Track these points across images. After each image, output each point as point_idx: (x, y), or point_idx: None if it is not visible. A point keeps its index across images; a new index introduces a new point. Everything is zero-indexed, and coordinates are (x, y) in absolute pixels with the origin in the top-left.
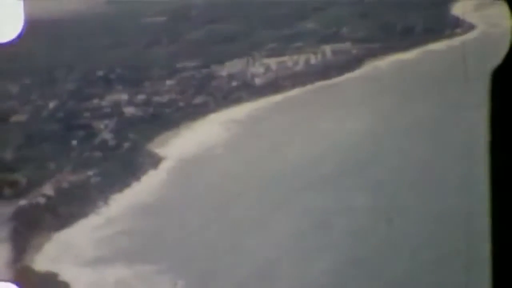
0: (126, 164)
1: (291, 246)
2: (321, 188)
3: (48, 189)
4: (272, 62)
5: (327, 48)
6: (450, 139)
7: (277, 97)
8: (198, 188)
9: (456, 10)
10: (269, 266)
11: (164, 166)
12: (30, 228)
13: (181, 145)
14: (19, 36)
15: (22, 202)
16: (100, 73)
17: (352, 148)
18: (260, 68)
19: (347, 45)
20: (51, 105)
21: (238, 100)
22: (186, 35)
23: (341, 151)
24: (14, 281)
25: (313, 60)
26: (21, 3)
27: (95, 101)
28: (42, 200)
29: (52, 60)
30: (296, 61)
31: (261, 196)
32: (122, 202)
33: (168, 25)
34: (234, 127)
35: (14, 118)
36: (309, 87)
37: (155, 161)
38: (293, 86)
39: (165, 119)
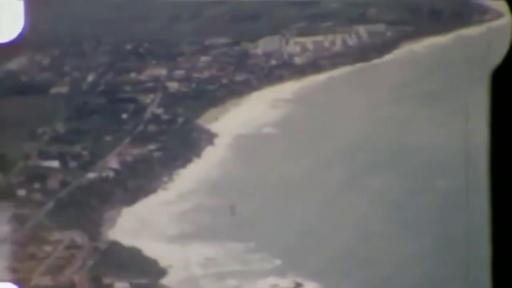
0: (183, 139)
1: (361, 225)
2: (380, 168)
3: (113, 163)
4: (307, 41)
5: (361, 29)
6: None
7: (319, 77)
8: (261, 165)
9: None
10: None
11: (220, 143)
12: (102, 202)
13: (231, 122)
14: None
15: (91, 175)
16: (129, 46)
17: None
18: (296, 47)
19: (380, 27)
20: (90, 78)
21: (280, 79)
22: (206, 10)
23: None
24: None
25: (350, 41)
26: (21, 3)
27: (132, 75)
28: (111, 174)
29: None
30: (332, 41)
31: (322, 176)
32: (188, 178)
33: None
34: (282, 106)
35: (54, 90)
36: (349, 68)
37: (210, 137)
38: (333, 66)
39: (210, 95)
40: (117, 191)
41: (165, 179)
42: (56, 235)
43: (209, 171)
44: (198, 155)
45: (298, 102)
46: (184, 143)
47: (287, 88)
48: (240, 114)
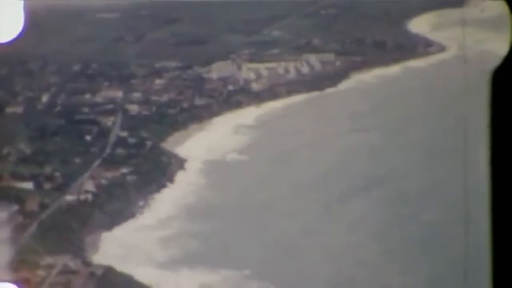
0: (154, 164)
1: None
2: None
3: (89, 186)
4: (261, 67)
5: (312, 58)
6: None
7: (277, 104)
8: (234, 191)
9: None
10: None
11: (191, 168)
12: (82, 225)
13: (196, 147)
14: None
15: (69, 197)
16: (76, 67)
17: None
18: (250, 73)
19: (330, 56)
20: (44, 98)
21: (238, 105)
22: (149, 34)
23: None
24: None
25: (303, 69)
26: (21, 3)
27: (87, 96)
28: (89, 197)
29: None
30: (286, 68)
31: (298, 202)
32: (164, 203)
33: (123, 22)
34: (245, 132)
35: (9, 110)
36: (304, 95)
37: (179, 161)
38: (289, 93)
39: (171, 119)
40: (96, 214)
41: (141, 203)
42: (46, 260)
43: (184, 197)
44: (170, 180)
45: (261, 128)
46: (155, 168)
47: (248, 114)
48: (204, 139)
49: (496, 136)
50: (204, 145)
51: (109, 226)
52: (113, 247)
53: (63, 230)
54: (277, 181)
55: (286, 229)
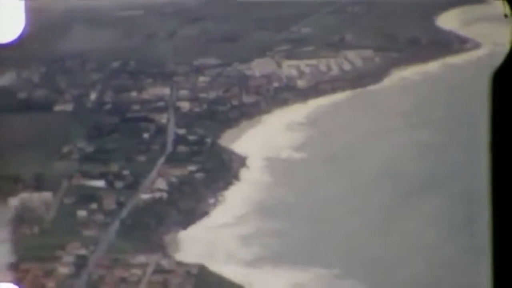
0: (218, 161)
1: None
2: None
3: (161, 184)
4: (301, 64)
5: (350, 54)
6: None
7: (323, 101)
8: (300, 188)
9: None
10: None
11: (253, 165)
12: (159, 223)
13: (251, 144)
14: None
15: (144, 196)
16: (116, 64)
17: None
18: (291, 70)
19: (368, 52)
20: (92, 96)
21: (285, 102)
22: (179, 31)
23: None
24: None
25: (345, 66)
26: (22, 3)
27: (133, 93)
28: (164, 195)
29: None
30: (327, 65)
31: (364, 200)
32: (236, 200)
33: (149, 19)
34: (298, 129)
35: (58, 108)
36: (348, 92)
37: (239, 158)
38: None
39: (222, 116)
40: (172, 212)
41: (211, 201)
42: (139, 258)
43: (255, 194)
44: (236, 177)
45: (312, 125)
46: (220, 165)
47: (296, 111)
48: (258, 136)
49: (497, 136)
50: (259, 142)
51: (185, 224)
52: (194, 246)
53: (144, 229)
54: (338, 178)
55: (358, 228)
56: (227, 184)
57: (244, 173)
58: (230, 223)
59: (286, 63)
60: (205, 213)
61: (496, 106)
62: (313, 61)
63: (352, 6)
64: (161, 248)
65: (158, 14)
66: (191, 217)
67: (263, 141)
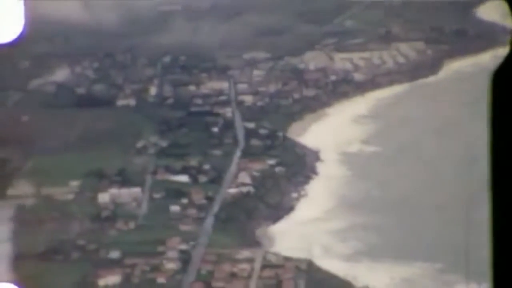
0: (295, 155)
1: None
2: None
3: (244, 178)
4: (354, 57)
5: (402, 47)
6: None
7: (381, 93)
8: (380, 182)
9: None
10: None
11: (328, 159)
12: (249, 218)
13: (319, 137)
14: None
15: (232, 190)
16: (167, 59)
17: None
18: (345, 63)
19: (420, 45)
20: (152, 91)
21: (345, 95)
22: (223, 25)
23: None
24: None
25: (399, 59)
26: (22, 3)
27: (192, 87)
28: (251, 189)
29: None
30: (380, 58)
31: (442, 191)
32: (319, 194)
33: (188, 14)
34: (363, 121)
35: (120, 103)
36: (405, 85)
37: (312, 152)
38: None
39: (286, 110)
40: (260, 207)
41: (294, 195)
42: (244, 253)
43: (338, 188)
44: (313, 171)
45: (376, 118)
46: (296, 159)
47: (357, 104)
48: (325, 129)
49: (497, 136)
50: (327, 136)
51: (274, 218)
52: (287, 240)
53: (236, 223)
54: (415, 171)
55: (447, 220)
56: (306, 178)
57: (320, 167)
58: (320, 217)
59: (337, 56)
60: (291, 207)
61: (496, 106)
62: (365, 54)
63: None
64: (256, 242)
65: (196, 9)
66: (278, 211)
67: (331, 134)
